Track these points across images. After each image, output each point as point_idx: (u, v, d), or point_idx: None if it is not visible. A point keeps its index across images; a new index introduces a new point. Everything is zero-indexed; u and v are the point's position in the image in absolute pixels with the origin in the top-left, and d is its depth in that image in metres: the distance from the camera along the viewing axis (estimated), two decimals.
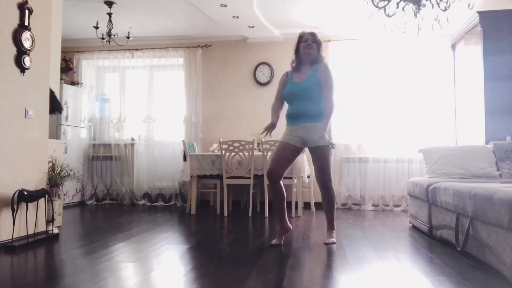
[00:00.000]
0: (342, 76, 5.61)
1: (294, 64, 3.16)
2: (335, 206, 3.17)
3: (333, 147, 2.96)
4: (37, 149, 3.26)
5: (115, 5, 4.78)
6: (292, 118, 3.08)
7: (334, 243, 3.03)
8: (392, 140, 5.42)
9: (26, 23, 3.10)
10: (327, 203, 3.14)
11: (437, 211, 3.20)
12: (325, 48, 5.57)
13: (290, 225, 3.13)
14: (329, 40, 5.62)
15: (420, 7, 3.17)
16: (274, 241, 3.02)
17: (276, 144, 3.29)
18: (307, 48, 3.06)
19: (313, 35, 3.13)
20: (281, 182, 3.03)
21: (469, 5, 3.11)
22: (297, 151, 3.08)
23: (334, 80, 3.04)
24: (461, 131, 5.08)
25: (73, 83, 5.74)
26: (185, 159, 5.14)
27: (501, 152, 3.64)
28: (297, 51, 3.13)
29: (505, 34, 4.24)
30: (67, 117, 5.45)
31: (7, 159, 2.95)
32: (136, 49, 6.03)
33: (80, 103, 5.82)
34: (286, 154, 3.04)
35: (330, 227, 3.15)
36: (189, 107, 5.89)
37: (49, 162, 3.40)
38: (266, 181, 3.15)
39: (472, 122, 4.63)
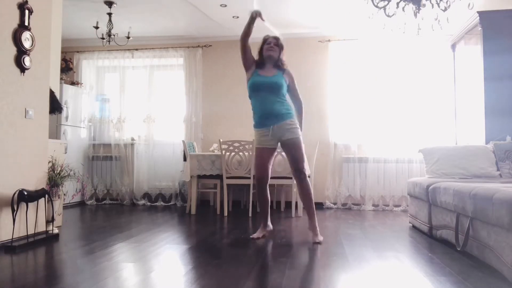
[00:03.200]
0: (342, 76, 5.62)
1: (257, 62, 3.31)
2: (313, 201, 3.30)
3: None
4: (37, 149, 3.26)
5: (115, 5, 4.78)
6: (258, 119, 3.23)
7: (320, 242, 3.08)
8: (392, 140, 5.42)
9: (26, 23, 3.10)
10: (305, 196, 3.24)
11: (437, 211, 3.20)
12: (325, 48, 5.65)
13: (271, 226, 3.44)
14: (329, 40, 5.63)
15: (420, 7, 3.17)
16: (255, 235, 3.26)
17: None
18: (270, 50, 3.25)
19: (276, 39, 3.31)
20: (267, 186, 3.30)
21: (469, 5, 3.11)
22: (273, 151, 3.30)
23: None
24: (461, 131, 5.08)
25: (73, 83, 5.74)
26: (185, 159, 5.14)
27: (501, 152, 3.64)
28: (260, 52, 3.31)
29: (505, 34, 4.24)
30: (67, 117, 5.45)
31: (7, 159, 2.95)
32: (136, 49, 6.03)
33: (80, 103, 5.82)
34: (266, 159, 3.26)
35: (312, 224, 3.22)
36: (189, 107, 5.89)
37: (49, 162, 3.40)
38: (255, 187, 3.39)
39: (472, 122, 4.63)
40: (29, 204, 3.02)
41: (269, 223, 3.41)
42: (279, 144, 3.27)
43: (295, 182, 4.56)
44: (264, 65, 3.28)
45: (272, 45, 3.25)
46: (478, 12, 4.25)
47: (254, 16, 3.21)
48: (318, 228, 3.21)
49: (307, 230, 3.31)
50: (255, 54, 3.33)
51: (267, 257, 2.66)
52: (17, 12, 3.06)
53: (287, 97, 3.31)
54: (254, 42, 3.33)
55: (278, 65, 3.28)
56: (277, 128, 3.17)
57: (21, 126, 3.08)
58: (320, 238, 3.14)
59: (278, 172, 4.59)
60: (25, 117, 3.12)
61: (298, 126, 3.25)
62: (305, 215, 4.68)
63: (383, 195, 5.39)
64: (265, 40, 3.31)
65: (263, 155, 3.25)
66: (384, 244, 3.09)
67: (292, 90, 3.32)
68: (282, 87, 3.20)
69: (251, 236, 3.25)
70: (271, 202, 5.32)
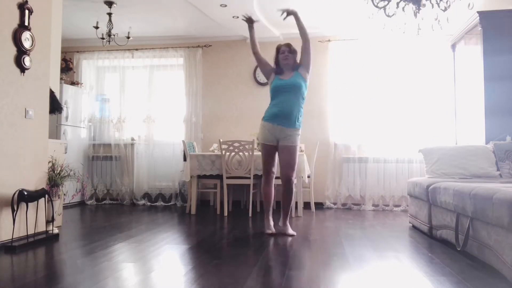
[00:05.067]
0: (342, 76, 5.62)
1: (275, 68, 3.55)
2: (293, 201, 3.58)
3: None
4: (37, 149, 3.26)
5: (115, 5, 4.78)
6: (272, 114, 3.39)
7: (294, 234, 3.39)
8: (392, 140, 5.42)
9: (26, 23, 3.10)
10: (286, 200, 3.50)
11: (437, 211, 3.20)
12: (325, 48, 5.64)
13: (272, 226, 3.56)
14: (329, 40, 5.63)
15: (420, 7, 3.17)
16: (268, 230, 3.48)
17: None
18: (285, 60, 3.45)
19: (288, 46, 3.50)
20: (273, 182, 3.55)
21: (469, 5, 3.12)
22: (276, 148, 3.46)
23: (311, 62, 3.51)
24: (461, 131, 5.08)
25: (73, 83, 5.74)
26: (185, 159, 5.14)
27: (501, 152, 3.64)
28: (277, 61, 3.52)
29: (505, 34, 4.24)
30: (67, 117, 5.45)
31: (7, 159, 2.95)
32: (136, 49, 6.03)
33: (80, 103, 5.82)
34: (270, 155, 3.48)
35: (285, 221, 3.53)
36: (189, 107, 5.89)
37: (49, 162, 3.40)
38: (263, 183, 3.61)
39: (472, 122, 4.63)
40: (29, 204, 3.02)
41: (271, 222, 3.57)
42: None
43: (295, 182, 4.62)
44: (282, 71, 3.49)
45: (286, 53, 3.44)
46: (478, 12, 4.25)
47: (247, 18, 3.52)
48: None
49: (312, 230, 3.39)
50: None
51: (267, 257, 2.66)
52: (17, 12, 3.06)
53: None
54: (259, 42, 3.48)
55: (295, 67, 3.48)
56: (281, 130, 3.35)
57: (21, 126, 3.08)
58: (293, 232, 3.44)
59: (278, 172, 4.58)
60: (25, 117, 3.12)
61: (299, 134, 3.44)
62: (305, 215, 4.70)
63: (383, 195, 5.39)
64: (278, 50, 3.50)
65: (267, 152, 3.46)
66: (384, 244, 3.09)
67: (304, 60, 3.46)
68: (302, 87, 3.38)
69: (267, 231, 3.46)
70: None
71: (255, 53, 3.57)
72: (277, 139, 3.40)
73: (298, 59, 3.51)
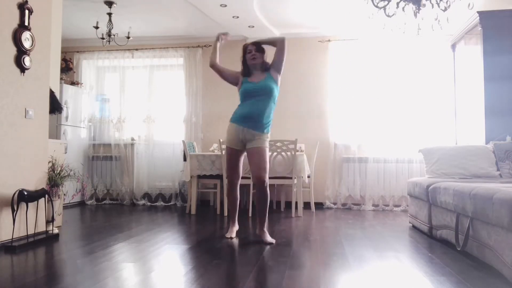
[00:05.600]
0: (342, 76, 5.62)
1: (243, 71, 3.30)
2: (268, 206, 3.28)
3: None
4: (37, 149, 3.26)
5: (115, 5, 4.78)
6: (240, 115, 3.21)
7: (273, 243, 3.10)
8: (392, 140, 5.42)
9: (26, 23, 3.10)
10: (261, 202, 3.23)
11: (437, 211, 3.20)
12: (325, 48, 5.64)
13: (237, 225, 3.48)
14: (329, 40, 5.63)
15: (420, 7, 3.17)
16: (227, 234, 3.33)
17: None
18: (253, 59, 3.22)
19: (255, 45, 3.26)
20: (238, 186, 3.40)
21: (469, 5, 3.12)
22: (242, 153, 3.31)
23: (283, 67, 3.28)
24: (461, 131, 5.08)
25: (73, 83, 5.74)
26: (185, 159, 5.14)
27: (501, 152, 3.64)
28: (244, 62, 3.29)
29: (505, 34, 4.24)
30: (67, 117, 5.45)
31: (7, 159, 2.95)
32: (136, 49, 6.03)
33: (80, 103, 5.82)
34: (235, 160, 3.31)
35: (262, 228, 3.25)
36: (189, 107, 5.89)
37: (49, 162, 3.40)
38: (225, 187, 3.40)
39: (472, 122, 4.63)
40: (29, 204, 3.02)
41: (236, 223, 3.48)
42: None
43: (295, 182, 4.64)
44: (251, 72, 3.27)
45: (254, 52, 3.22)
46: (478, 12, 4.25)
47: (218, 36, 3.39)
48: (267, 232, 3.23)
49: (312, 230, 3.31)
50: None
51: (267, 257, 2.66)
52: (17, 12, 3.06)
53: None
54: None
55: (264, 68, 3.25)
56: (247, 132, 3.17)
57: (21, 126, 3.08)
58: (272, 239, 3.15)
59: (278, 172, 4.59)
60: (25, 117, 3.12)
61: (268, 138, 3.26)
62: (305, 215, 4.70)
63: (383, 195, 5.39)
64: (245, 49, 3.29)
65: (230, 157, 3.30)
66: (384, 244, 3.09)
67: (276, 60, 3.25)
68: (273, 90, 3.18)
69: (226, 235, 3.33)
70: (271, 202, 5.36)
71: (213, 65, 3.37)
72: (244, 143, 3.21)
73: (266, 59, 3.28)
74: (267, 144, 3.22)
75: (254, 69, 3.26)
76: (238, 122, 3.21)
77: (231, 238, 3.29)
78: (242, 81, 3.28)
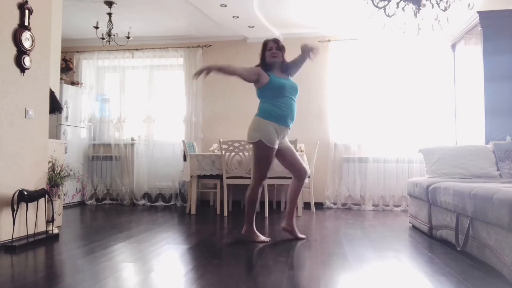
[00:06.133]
0: (342, 76, 5.62)
1: (261, 67, 3.19)
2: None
3: None
4: (37, 149, 3.26)
5: (115, 5, 4.78)
6: (281, 116, 3.09)
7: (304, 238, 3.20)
8: (392, 140, 5.42)
9: (26, 23, 3.10)
10: (296, 195, 3.31)
11: (437, 211, 3.20)
12: (325, 48, 5.64)
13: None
14: (329, 40, 5.63)
15: (420, 7, 3.17)
16: (262, 238, 3.18)
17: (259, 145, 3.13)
18: (273, 57, 3.16)
19: (276, 42, 3.20)
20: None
21: (469, 5, 3.12)
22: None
23: None
24: (461, 131, 5.08)
25: (73, 83, 5.74)
26: (185, 159, 5.14)
27: (501, 152, 3.64)
28: (263, 58, 3.21)
29: (505, 34, 4.24)
30: (67, 117, 5.45)
31: (7, 159, 2.95)
32: (136, 49, 6.03)
33: (80, 103, 5.82)
34: (272, 160, 3.19)
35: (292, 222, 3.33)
36: (189, 107, 5.89)
37: (49, 162, 3.40)
38: (252, 186, 3.19)
39: (472, 122, 4.63)
40: (29, 204, 3.02)
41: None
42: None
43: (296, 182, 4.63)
44: (272, 69, 3.18)
45: (274, 50, 3.15)
46: (478, 12, 4.25)
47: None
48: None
49: (312, 230, 3.30)
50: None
51: (267, 257, 2.66)
52: (17, 12, 3.06)
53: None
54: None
55: (283, 68, 3.21)
56: (285, 131, 3.18)
57: (21, 126, 3.08)
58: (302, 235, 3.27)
59: (278, 172, 4.59)
60: (25, 117, 3.12)
61: None
62: (305, 215, 4.69)
63: (383, 195, 5.39)
64: (265, 45, 3.21)
65: (272, 157, 3.15)
66: (384, 244, 3.09)
67: (298, 68, 3.30)
68: (298, 91, 3.23)
69: (258, 240, 3.15)
70: (271, 202, 5.36)
71: (222, 68, 3.22)
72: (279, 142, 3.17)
73: (286, 58, 3.23)
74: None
75: (274, 67, 3.18)
76: (278, 121, 3.08)
77: (269, 240, 3.16)
78: (269, 75, 3.12)
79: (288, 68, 3.23)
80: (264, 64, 3.18)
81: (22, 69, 3.08)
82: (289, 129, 3.21)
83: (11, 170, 2.98)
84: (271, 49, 3.16)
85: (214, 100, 5.94)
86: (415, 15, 3.20)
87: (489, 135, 4.14)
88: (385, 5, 3.24)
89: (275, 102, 3.10)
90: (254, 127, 3.13)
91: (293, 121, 3.19)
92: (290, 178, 4.54)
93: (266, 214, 4.59)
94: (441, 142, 5.14)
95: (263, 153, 3.09)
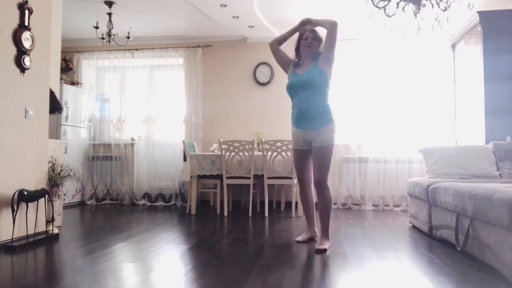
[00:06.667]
0: (342, 76, 5.61)
1: (295, 61, 3.14)
2: (331, 210, 3.10)
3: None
4: (37, 149, 3.26)
5: (115, 5, 4.78)
6: (294, 117, 3.07)
7: (325, 250, 2.81)
8: (392, 140, 5.42)
9: (26, 23, 3.10)
10: (323, 206, 3.03)
11: (437, 211, 3.20)
12: None
13: (316, 231, 3.22)
14: None
15: (420, 7, 3.17)
16: (298, 238, 3.18)
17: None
18: (307, 46, 3.03)
19: (313, 32, 3.07)
20: (311, 187, 3.18)
21: (469, 5, 3.12)
22: (306, 152, 3.09)
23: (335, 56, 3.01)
24: (461, 131, 5.08)
25: (73, 83, 5.74)
26: (185, 159, 5.14)
27: (501, 152, 3.64)
28: (297, 49, 3.11)
29: (505, 34, 4.24)
30: (67, 117, 5.45)
31: (7, 159, 2.95)
32: (136, 49, 6.03)
33: (80, 103, 5.82)
34: (301, 160, 3.14)
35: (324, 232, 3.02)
36: (189, 107, 5.89)
37: (49, 162, 3.40)
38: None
39: (472, 122, 4.63)
40: (29, 204, 3.02)
41: (316, 228, 3.21)
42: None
43: (295, 182, 4.63)
44: (301, 63, 3.09)
45: (310, 40, 3.01)
46: (478, 12, 4.25)
47: (305, 21, 3.08)
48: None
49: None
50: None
51: (267, 257, 2.66)
52: (17, 12, 3.06)
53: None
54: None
55: (315, 57, 3.04)
56: (307, 134, 2.99)
57: (21, 126, 3.08)
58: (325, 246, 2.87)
59: (278, 172, 4.60)
60: (25, 117, 3.12)
61: (330, 131, 2.96)
62: (304, 215, 4.68)
63: (383, 195, 5.39)
64: (302, 35, 3.08)
65: (297, 157, 3.14)
66: (384, 244, 3.09)
67: (325, 48, 3.00)
68: (319, 82, 2.93)
69: (295, 240, 3.16)
70: (271, 202, 5.36)
71: (276, 44, 3.17)
72: (309, 141, 3.00)
73: (321, 50, 3.05)
74: (331, 140, 2.95)
75: (305, 58, 3.06)
76: (295, 125, 3.06)
77: (297, 241, 3.13)
78: (290, 74, 3.10)
79: (322, 56, 3.01)
80: (298, 55, 3.11)
81: (22, 69, 3.08)
82: (312, 130, 2.95)
83: (11, 170, 2.98)
84: (307, 39, 3.03)
85: (214, 100, 5.94)
86: (415, 15, 3.20)
87: (489, 135, 4.13)
88: (385, 5, 3.24)
89: (292, 103, 3.09)
90: None
91: (307, 121, 2.96)
92: (290, 178, 4.58)
93: (266, 214, 4.59)
94: (441, 142, 5.14)
95: (293, 154, 3.24)
